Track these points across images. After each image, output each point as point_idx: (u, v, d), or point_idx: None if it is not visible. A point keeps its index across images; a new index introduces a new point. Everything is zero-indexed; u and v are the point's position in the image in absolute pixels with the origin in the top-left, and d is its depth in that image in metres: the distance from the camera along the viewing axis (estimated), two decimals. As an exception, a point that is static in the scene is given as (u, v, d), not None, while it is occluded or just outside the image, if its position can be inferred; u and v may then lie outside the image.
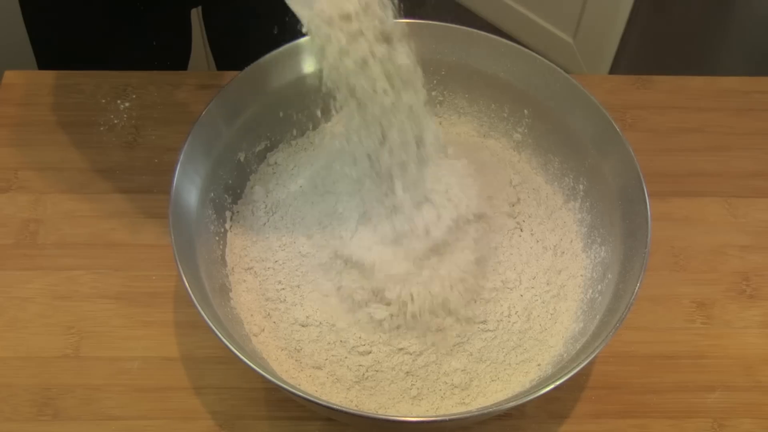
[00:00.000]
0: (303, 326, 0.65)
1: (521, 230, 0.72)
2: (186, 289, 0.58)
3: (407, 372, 0.63)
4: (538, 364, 0.65)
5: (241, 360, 0.56)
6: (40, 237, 0.76)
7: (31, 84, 0.87)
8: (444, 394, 0.64)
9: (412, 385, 0.64)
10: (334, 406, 0.57)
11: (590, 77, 1.17)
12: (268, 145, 0.75)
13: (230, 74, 0.70)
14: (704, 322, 0.73)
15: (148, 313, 0.71)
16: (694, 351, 0.71)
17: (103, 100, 0.85)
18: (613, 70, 1.66)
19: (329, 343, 0.65)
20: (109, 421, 0.66)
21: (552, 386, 0.56)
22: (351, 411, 0.58)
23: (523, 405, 0.66)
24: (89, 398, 0.67)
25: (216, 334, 0.57)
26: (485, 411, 0.57)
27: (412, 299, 0.64)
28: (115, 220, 0.77)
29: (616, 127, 0.68)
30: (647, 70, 0.92)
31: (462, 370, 0.64)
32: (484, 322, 0.66)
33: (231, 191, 0.72)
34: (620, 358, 0.71)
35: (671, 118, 0.87)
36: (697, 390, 0.69)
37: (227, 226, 0.71)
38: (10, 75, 0.87)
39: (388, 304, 0.65)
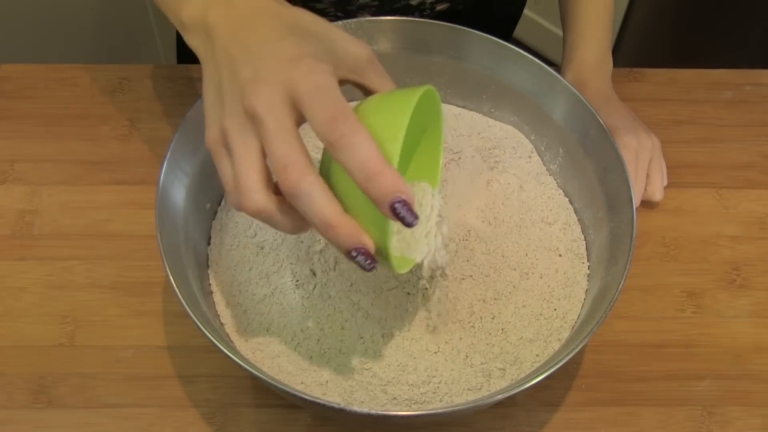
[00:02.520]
0: (290, 321, 0.66)
1: (503, 221, 0.72)
2: (172, 286, 0.58)
3: (400, 366, 0.64)
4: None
5: (228, 356, 0.55)
6: (35, 228, 0.76)
7: (28, 77, 0.87)
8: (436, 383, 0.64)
9: (404, 379, 0.64)
10: (320, 401, 0.55)
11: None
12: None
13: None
14: (694, 311, 0.74)
15: (142, 302, 0.72)
16: (684, 340, 0.72)
17: (99, 93, 0.86)
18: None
19: (312, 341, 0.65)
20: (103, 409, 0.67)
21: (543, 376, 0.56)
22: (339, 406, 0.55)
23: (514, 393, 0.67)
24: (84, 386, 0.68)
25: (200, 328, 0.57)
26: (476, 403, 0.57)
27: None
28: (110, 211, 0.77)
29: (602, 124, 0.69)
30: (642, 65, 0.92)
31: (453, 360, 0.65)
32: (473, 311, 0.66)
33: (217, 191, 0.71)
34: (611, 347, 0.71)
35: (663, 110, 0.87)
36: (687, 378, 0.70)
37: (214, 223, 0.70)
38: (6, 68, 0.88)
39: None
